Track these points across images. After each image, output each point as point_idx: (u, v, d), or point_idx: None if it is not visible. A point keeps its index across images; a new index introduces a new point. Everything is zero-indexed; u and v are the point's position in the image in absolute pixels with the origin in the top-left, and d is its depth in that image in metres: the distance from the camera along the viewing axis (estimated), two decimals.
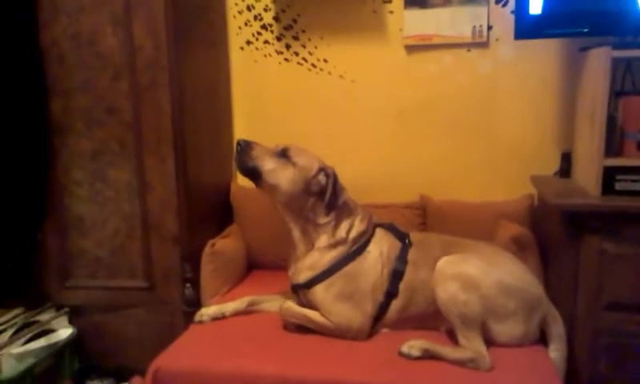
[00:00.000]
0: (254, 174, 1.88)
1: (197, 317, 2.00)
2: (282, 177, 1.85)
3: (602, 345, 1.81)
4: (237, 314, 2.01)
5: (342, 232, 1.87)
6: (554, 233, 1.93)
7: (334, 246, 1.86)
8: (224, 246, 2.31)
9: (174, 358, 1.77)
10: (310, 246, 1.89)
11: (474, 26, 2.32)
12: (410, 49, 2.41)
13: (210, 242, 2.25)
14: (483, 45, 2.34)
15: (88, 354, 2.32)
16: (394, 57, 2.43)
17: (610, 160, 1.76)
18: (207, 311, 2.00)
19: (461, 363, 1.63)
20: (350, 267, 1.84)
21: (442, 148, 2.45)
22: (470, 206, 2.34)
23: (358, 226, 1.89)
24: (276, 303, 2.02)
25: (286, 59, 2.53)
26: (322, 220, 1.87)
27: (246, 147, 1.88)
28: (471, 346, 1.65)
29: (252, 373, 1.66)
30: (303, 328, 1.84)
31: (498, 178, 2.40)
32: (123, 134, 2.15)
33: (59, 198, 2.23)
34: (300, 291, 1.90)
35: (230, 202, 2.56)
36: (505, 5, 2.30)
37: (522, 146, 2.36)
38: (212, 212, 2.46)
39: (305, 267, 1.87)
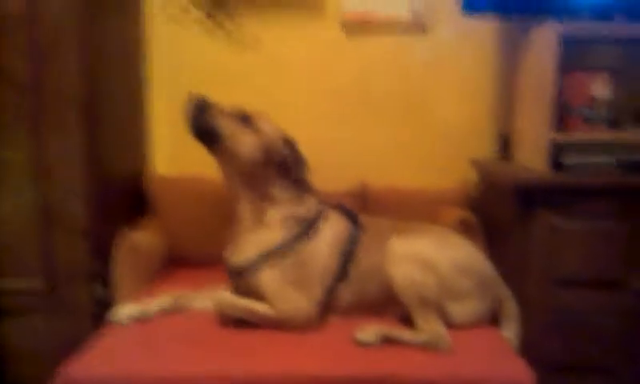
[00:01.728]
0: (212, 137, 1.66)
1: (111, 317, 1.69)
2: (244, 142, 1.67)
3: (555, 323, 1.78)
4: (161, 313, 1.73)
5: (296, 208, 1.71)
6: (502, 213, 1.89)
7: (285, 223, 1.68)
8: (141, 238, 2.02)
9: (85, 363, 1.46)
10: (258, 223, 1.69)
11: (413, 7, 2.26)
12: (347, 28, 2.30)
13: (125, 232, 1.95)
14: (421, 26, 2.28)
15: None
16: (331, 36, 2.31)
17: (557, 135, 1.75)
18: (124, 310, 1.70)
19: (421, 345, 1.51)
20: (300, 248, 1.66)
21: (381, 132, 2.36)
22: (410, 193, 2.27)
23: (312, 204, 1.73)
24: (208, 300, 1.76)
25: (215, 37, 2.30)
26: (278, 194, 1.70)
27: (203, 104, 1.65)
28: (430, 327, 1.55)
29: (186, 375, 1.40)
30: (243, 323, 1.62)
31: (436, 162, 2.35)
32: (16, 101, 1.78)
33: None
34: (240, 275, 1.67)
35: (144, 193, 2.26)
36: None
37: (459, 129, 2.33)
38: (125, 202, 2.15)
39: (250, 245, 1.67)
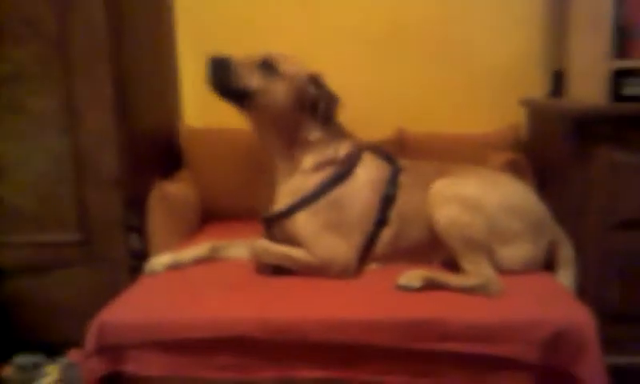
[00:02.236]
0: (240, 96, 1.55)
1: (147, 267, 1.67)
2: (275, 92, 1.56)
3: (614, 268, 1.65)
4: (197, 262, 1.68)
5: (331, 151, 1.61)
6: (556, 154, 1.75)
7: (321, 167, 1.60)
8: (175, 189, 1.98)
9: (124, 309, 1.44)
10: (294, 169, 1.61)
11: None
12: None
13: (159, 183, 1.91)
14: None
15: (14, 326, 1.90)
16: None
17: (618, 62, 1.59)
18: (160, 260, 1.67)
19: (469, 290, 1.42)
20: (336, 192, 1.58)
21: (418, 76, 2.23)
22: (452, 138, 2.14)
23: (347, 147, 1.64)
24: (244, 249, 1.71)
25: None
26: (313, 136, 1.61)
27: (224, 64, 1.52)
28: (479, 270, 1.44)
29: (225, 318, 1.36)
30: (282, 271, 1.56)
31: (481, 104, 2.21)
32: (45, 52, 1.75)
33: None
34: (277, 223, 1.61)
35: (177, 146, 2.21)
36: None
37: (505, 67, 2.17)
38: (158, 154, 2.11)
39: (286, 193, 1.60)
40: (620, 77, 1.61)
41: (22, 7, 1.72)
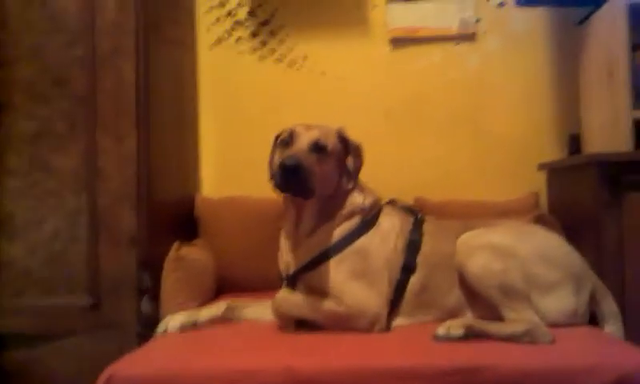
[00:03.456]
0: (306, 193, 1.48)
1: (160, 326, 1.56)
2: (328, 173, 1.52)
3: None
4: (213, 322, 1.57)
5: (359, 200, 1.57)
6: (586, 207, 1.70)
7: (350, 216, 1.55)
8: (192, 252, 1.91)
9: (135, 362, 1.31)
10: (321, 223, 1.54)
11: (461, 18, 2.23)
12: (395, 43, 2.27)
13: (176, 244, 1.84)
14: (471, 37, 2.24)
15: None
16: (379, 52, 2.28)
17: (638, 112, 1.60)
18: (174, 318, 1.56)
19: (516, 338, 1.30)
20: (362, 241, 1.51)
21: (435, 147, 2.26)
22: (472, 206, 2.10)
23: (371, 198, 1.61)
24: (264, 309, 1.61)
25: (261, 57, 2.31)
26: (340, 192, 1.57)
27: (297, 170, 1.41)
28: (522, 317, 1.34)
29: (246, 369, 1.22)
30: (306, 327, 1.46)
31: (497, 174, 2.21)
32: (73, 111, 1.77)
33: None
34: (300, 279, 1.52)
35: (194, 216, 2.17)
36: None
37: (521, 137, 2.20)
38: (175, 221, 2.06)
39: (310, 246, 1.52)
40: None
41: (54, 68, 1.77)
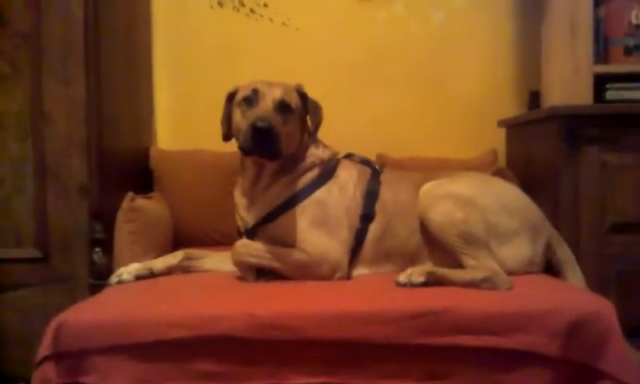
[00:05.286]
0: (273, 154, 1.43)
1: (113, 277, 1.49)
2: (293, 130, 1.50)
3: (611, 273, 1.59)
4: (170, 271, 1.52)
5: (318, 153, 1.56)
6: (541, 165, 1.73)
7: (307, 169, 1.54)
8: (147, 203, 1.83)
9: (88, 309, 1.25)
10: (281, 175, 1.51)
11: None
12: None
13: (130, 194, 1.76)
14: None
15: None
16: (342, 2, 2.22)
17: (599, 67, 1.63)
18: (128, 268, 1.50)
19: (476, 284, 1.32)
20: (321, 191, 1.50)
21: (398, 103, 2.23)
22: (432, 162, 2.10)
23: (328, 152, 1.60)
24: (222, 258, 1.58)
25: (220, 3, 2.20)
26: (305, 145, 1.56)
27: (269, 133, 1.37)
28: (482, 264, 1.35)
29: (206, 314, 1.19)
30: (264, 276, 1.43)
31: (458, 132, 2.22)
32: (16, 51, 1.64)
33: None
34: (260, 231, 1.49)
35: (148, 169, 2.08)
36: None
37: (481, 93, 2.21)
38: (128, 172, 1.97)
39: (270, 199, 1.50)
40: (600, 82, 1.65)
41: None
